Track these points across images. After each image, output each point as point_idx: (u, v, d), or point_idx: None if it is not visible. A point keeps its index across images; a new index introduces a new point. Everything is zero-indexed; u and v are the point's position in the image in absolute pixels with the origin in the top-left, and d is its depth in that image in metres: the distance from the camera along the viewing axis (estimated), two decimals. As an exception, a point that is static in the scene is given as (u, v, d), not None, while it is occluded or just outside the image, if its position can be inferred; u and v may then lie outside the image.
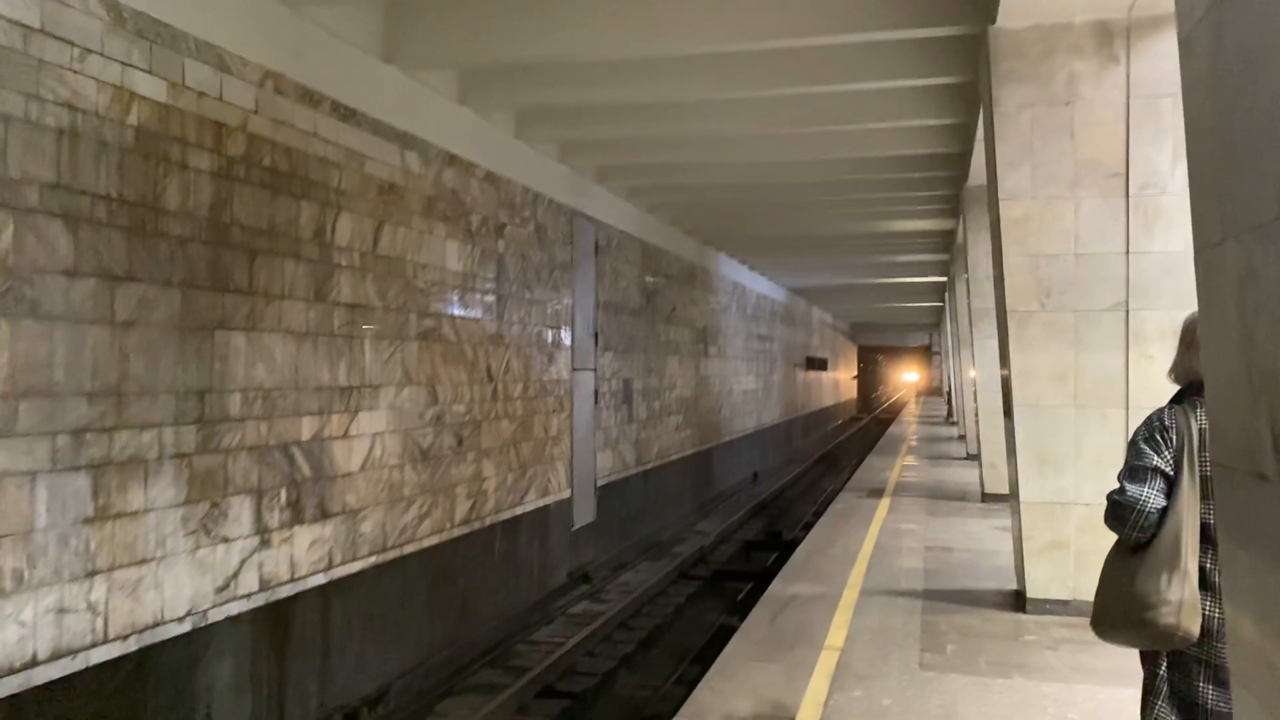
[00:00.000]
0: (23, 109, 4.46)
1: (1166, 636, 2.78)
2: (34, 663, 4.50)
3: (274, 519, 6.12)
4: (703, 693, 5.46)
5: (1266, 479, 1.49)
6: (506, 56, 7.56)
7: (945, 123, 9.55)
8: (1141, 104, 6.53)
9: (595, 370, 12.10)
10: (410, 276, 7.68)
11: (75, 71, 4.73)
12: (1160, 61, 6.41)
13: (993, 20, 6.58)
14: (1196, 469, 2.81)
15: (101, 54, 4.88)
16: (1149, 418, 2.97)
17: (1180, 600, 2.75)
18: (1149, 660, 2.95)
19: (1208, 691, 2.77)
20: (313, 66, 6.48)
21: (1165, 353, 3.11)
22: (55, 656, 4.61)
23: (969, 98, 8.75)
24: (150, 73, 5.18)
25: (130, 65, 5.05)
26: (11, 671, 4.39)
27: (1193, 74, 1.75)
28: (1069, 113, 6.65)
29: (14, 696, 4.39)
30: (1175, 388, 3.05)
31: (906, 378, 67.63)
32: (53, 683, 4.59)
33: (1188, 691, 2.82)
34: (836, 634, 6.52)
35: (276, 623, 6.19)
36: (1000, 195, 6.85)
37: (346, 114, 6.87)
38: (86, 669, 4.78)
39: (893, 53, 7.79)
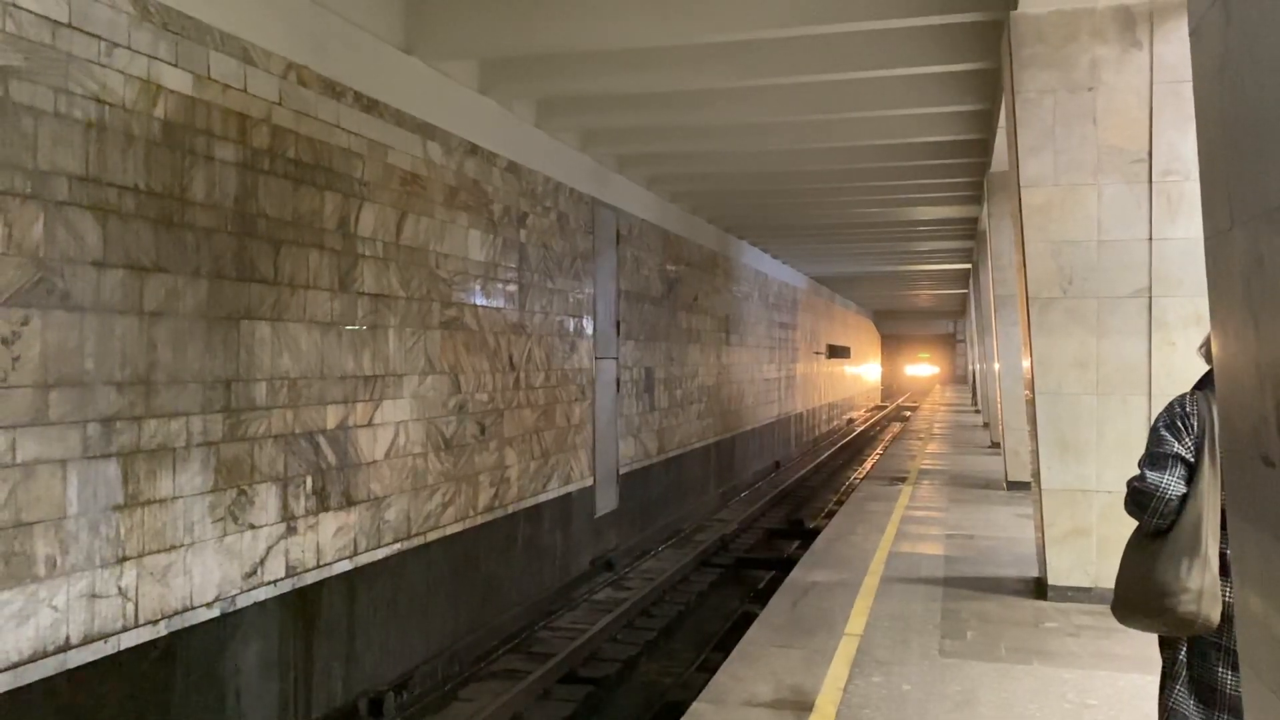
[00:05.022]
0: (52, 103, 4.53)
1: (1187, 624, 2.77)
2: (67, 646, 4.60)
3: (300, 506, 6.21)
4: (723, 678, 5.50)
5: (1273, 464, 1.51)
6: (527, 46, 7.59)
7: (967, 109, 9.51)
8: (1165, 89, 6.48)
9: (617, 359, 12.14)
10: (433, 266, 7.73)
11: (103, 65, 4.80)
12: (1183, 46, 6.34)
13: (1014, 5, 6.55)
14: (1218, 456, 2.80)
15: (128, 48, 4.94)
16: (1170, 404, 2.97)
17: (1200, 588, 2.73)
18: (1168, 646, 2.96)
19: (1226, 677, 2.78)
20: (335, 58, 6.54)
21: (1187, 340, 3.11)
22: (87, 640, 4.71)
23: (991, 84, 8.71)
24: (176, 66, 5.25)
25: (156, 58, 5.12)
26: (46, 655, 4.49)
27: (1203, 61, 1.76)
28: (1091, 98, 6.61)
29: (48, 679, 4.49)
30: (1198, 374, 3.04)
31: (930, 366, 67.25)
32: (85, 666, 4.69)
33: (1206, 676, 2.82)
34: (857, 620, 6.55)
35: (303, 608, 6.28)
36: (1022, 182, 6.82)
37: (369, 105, 6.92)
38: (118, 653, 4.88)
39: (914, 39, 7.76)
